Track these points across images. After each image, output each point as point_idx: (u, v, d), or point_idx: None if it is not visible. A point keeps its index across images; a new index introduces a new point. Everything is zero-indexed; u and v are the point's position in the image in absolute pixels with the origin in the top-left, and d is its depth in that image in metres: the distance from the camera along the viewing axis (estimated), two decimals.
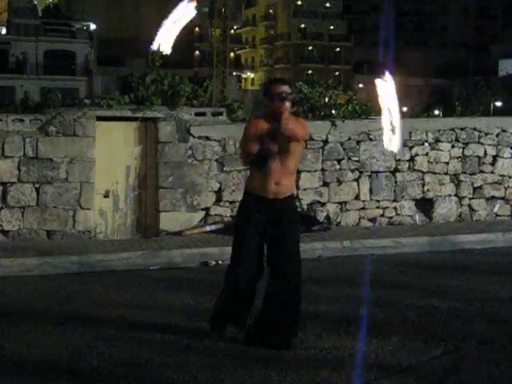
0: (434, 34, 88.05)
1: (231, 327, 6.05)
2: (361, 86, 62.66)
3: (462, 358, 5.66)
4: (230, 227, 11.12)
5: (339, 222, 12.28)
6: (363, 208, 12.44)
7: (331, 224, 11.93)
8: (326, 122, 12.28)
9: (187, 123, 11.62)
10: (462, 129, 12.97)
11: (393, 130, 6.26)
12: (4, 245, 10.60)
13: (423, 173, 12.71)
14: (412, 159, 12.65)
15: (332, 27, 79.55)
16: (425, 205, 12.76)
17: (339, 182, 12.27)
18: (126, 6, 72.67)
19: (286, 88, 5.82)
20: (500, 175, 13.17)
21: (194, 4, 6.10)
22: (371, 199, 12.45)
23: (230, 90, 49.00)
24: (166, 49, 6.21)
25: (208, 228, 11.53)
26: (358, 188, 12.39)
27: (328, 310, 7.11)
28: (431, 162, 12.74)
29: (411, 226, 12.40)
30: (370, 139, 12.42)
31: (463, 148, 12.95)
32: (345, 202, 12.35)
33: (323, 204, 12.18)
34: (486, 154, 13.08)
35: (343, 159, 12.30)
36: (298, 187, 11.79)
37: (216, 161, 11.74)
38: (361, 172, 12.38)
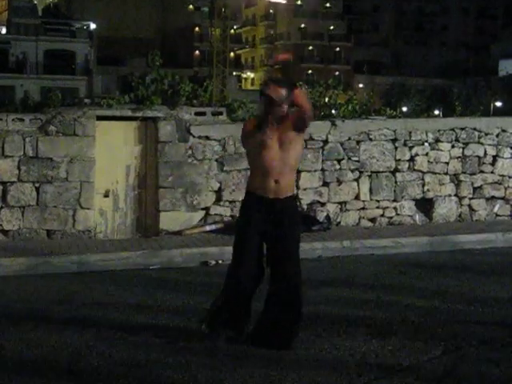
0: (434, 34, 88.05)
1: (228, 330, 5.96)
2: (361, 85, 62.74)
3: (461, 358, 5.65)
4: (229, 227, 11.13)
5: (339, 222, 12.28)
6: (363, 208, 12.44)
7: (331, 224, 11.93)
8: (326, 121, 12.28)
9: (187, 123, 11.62)
10: (462, 129, 12.97)
11: None
12: (4, 244, 10.60)
13: (423, 173, 12.71)
14: (412, 159, 12.65)
15: (332, 27, 79.56)
16: (425, 205, 12.76)
17: (339, 182, 12.27)
18: (126, 6, 72.69)
19: (284, 90, 5.77)
20: (500, 175, 13.17)
21: None
22: (371, 199, 12.45)
23: (230, 89, 49.03)
24: None
25: (208, 228, 11.53)
26: (358, 188, 12.39)
27: (328, 310, 7.11)
28: (431, 162, 12.74)
29: (411, 226, 12.40)
30: (370, 139, 12.42)
31: (463, 148, 12.95)
32: (345, 202, 12.35)
33: (323, 204, 12.18)
34: (486, 154, 13.08)
35: (343, 159, 12.30)
36: (297, 187, 11.79)
37: (216, 160, 11.74)
38: (361, 172, 12.38)
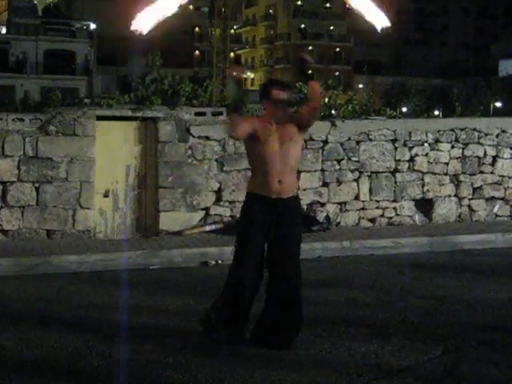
0: (433, 34, 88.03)
1: (228, 331, 5.90)
2: (361, 86, 62.72)
3: (461, 359, 5.65)
4: (229, 227, 11.14)
5: (339, 223, 12.28)
6: (363, 208, 12.44)
7: (331, 224, 11.94)
8: (325, 122, 12.28)
9: (187, 123, 11.62)
10: (462, 129, 12.98)
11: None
12: (4, 244, 10.60)
13: (423, 173, 12.71)
14: (412, 159, 12.65)
15: (332, 27, 79.54)
16: (424, 205, 12.76)
17: (339, 183, 12.28)
18: (126, 6, 72.69)
19: (287, 94, 5.81)
20: (500, 176, 13.17)
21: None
22: (371, 199, 12.45)
23: (230, 89, 48.91)
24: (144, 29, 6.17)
25: (208, 228, 11.53)
26: (358, 188, 12.39)
27: (328, 310, 7.11)
28: (431, 163, 12.75)
29: (411, 227, 12.41)
30: (370, 139, 12.42)
31: (463, 148, 12.96)
32: (344, 203, 12.35)
33: (323, 204, 12.19)
34: (485, 154, 13.09)
35: (343, 159, 12.30)
36: (297, 187, 11.77)
37: (216, 160, 11.74)
38: (360, 172, 12.39)
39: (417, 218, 12.71)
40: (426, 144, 12.73)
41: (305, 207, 11.94)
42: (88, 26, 63.83)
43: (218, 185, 11.75)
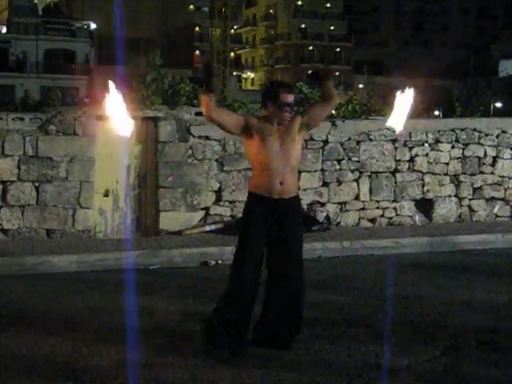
0: (434, 34, 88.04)
1: (229, 331, 5.74)
2: (361, 86, 62.69)
3: (461, 359, 5.66)
4: (229, 227, 11.15)
5: (339, 223, 12.28)
6: (363, 208, 12.44)
7: (331, 224, 11.94)
8: (326, 122, 12.26)
9: (187, 123, 11.62)
10: (462, 129, 12.97)
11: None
12: (4, 244, 10.60)
13: (423, 173, 12.71)
14: (412, 160, 12.65)
15: (332, 27, 79.55)
16: (425, 205, 12.76)
17: (339, 182, 12.27)
18: (127, 6, 72.65)
19: (293, 97, 5.84)
20: (500, 176, 13.17)
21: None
22: (371, 199, 12.45)
23: (230, 89, 49.01)
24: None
25: (208, 228, 11.53)
26: (358, 188, 12.39)
27: (328, 310, 7.11)
28: (431, 163, 12.75)
29: (411, 227, 12.40)
30: (370, 139, 12.42)
31: (463, 149, 12.96)
32: (344, 203, 12.35)
33: (323, 204, 12.18)
34: (486, 154, 13.09)
35: (343, 159, 12.30)
36: (298, 187, 11.77)
37: (216, 160, 11.73)
38: (361, 172, 12.38)
39: (417, 218, 12.71)
40: (426, 144, 12.73)
41: (305, 207, 11.94)
42: (88, 26, 63.84)
43: (218, 185, 11.75)
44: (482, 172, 13.07)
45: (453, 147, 12.88)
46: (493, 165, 13.13)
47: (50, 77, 56.29)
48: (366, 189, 12.43)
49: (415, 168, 12.65)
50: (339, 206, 12.31)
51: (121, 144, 11.41)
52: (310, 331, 6.20)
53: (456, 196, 12.90)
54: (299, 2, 79.27)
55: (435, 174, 12.76)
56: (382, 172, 12.49)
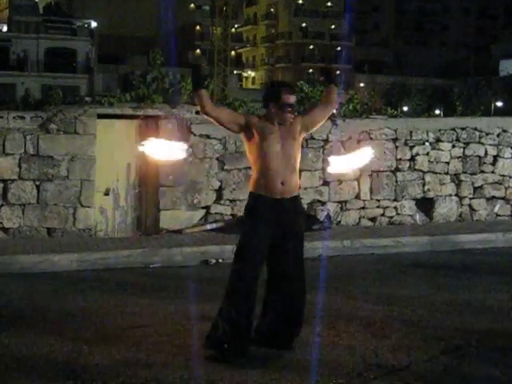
0: (434, 34, 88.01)
1: (234, 340, 5.61)
2: (362, 85, 62.71)
3: (461, 358, 5.65)
4: (230, 226, 11.15)
5: (339, 222, 12.28)
6: (363, 207, 12.44)
7: (331, 223, 11.94)
8: (326, 120, 12.25)
9: (188, 121, 11.62)
10: (463, 129, 12.98)
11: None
12: (4, 242, 10.60)
13: (424, 172, 12.71)
14: (413, 159, 12.65)
15: (333, 26, 79.52)
16: (425, 204, 12.76)
17: (339, 181, 12.27)
18: (127, 4, 72.66)
19: (294, 97, 5.83)
20: (500, 175, 13.18)
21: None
22: (371, 198, 12.45)
23: (231, 88, 49.01)
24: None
25: (208, 226, 11.53)
26: (359, 187, 12.39)
27: (327, 309, 7.10)
28: (432, 162, 12.75)
29: (411, 226, 12.41)
30: (371, 138, 12.42)
31: (464, 148, 12.96)
32: (345, 202, 12.35)
33: (323, 203, 12.18)
34: (486, 153, 13.09)
35: None
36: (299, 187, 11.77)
37: (217, 159, 11.74)
38: (361, 171, 12.37)
39: (417, 217, 12.71)
40: (426, 143, 12.73)
41: (305, 206, 11.94)
42: (89, 24, 63.82)
43: (218, 183, 11.75)
44: (482, 171, 13.07)
45: (453, 146, 12.88)
46: (493, 164, 13.14)
47: (50, 75, 56.31)
48: (367, 188, 12.43)
49: (416, 167, 12.66)
50: (340, 205, 12.31)
51: (122, 142, 11.44)
52: (309, 331, 6.19)
53: (457, 195, 12.91)
54: (300, 1, 79.26)
55: (436, 173, 12.77)
56: (383, 171, 12.49)
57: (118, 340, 6.09)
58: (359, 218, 12.43)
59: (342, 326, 6.50)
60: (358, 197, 12.40)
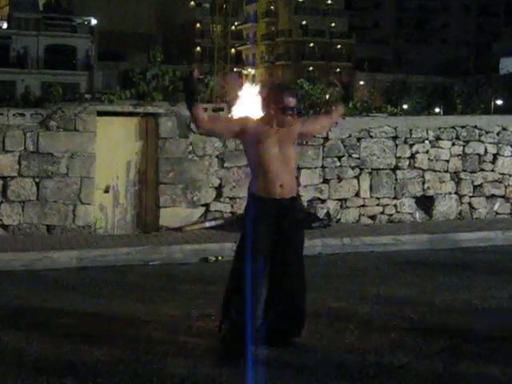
0: (434, 32, 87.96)
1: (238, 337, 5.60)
2: (362, 83, 62.69)
3: (461, 356, 5.66)
4: (230, 223, 11.15)
5: (339, 219, 12.28)
6: (363, 205, 12.44)
7: (331, 221, 11.94)
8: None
9: (188, 119, 11.60)
10: (463, 127, 12.97)
11: None
12: (4, 239, 10.60)
13: (423, 170, 12.71)
14: (412, 157, 12.65)
15: (333, 24, 79.48)
16: (425, 202, 12.76)
17: (339, 179, 12.28)
18: (127, 1, 72.63)
19: (295, 100, 5.84)
20: (500, 173, 13.17)
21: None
22: (371, 196, 12.45)
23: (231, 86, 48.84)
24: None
25: (208, 224, 11.53)
26: (358, 185, 12.39)
27: (327, 307, 7.11)
28: (431, 160, 12.75)
29: (411, 224, 12.40)
30: (371, 136, 12.42)
31: (464, 146, 12.95)
32: (345, 199, 12.35)
33: (323, 201, 12.18)
34: (486, 152, 13.08)
35: (343, 156, 12.30)
36: (298, 184, 11.77)
37: (216, 157, 11.73)
38: (361, 169, 12.39)
39: (417, 215, 12.71)
40: (426, 141, 12.73)
41: (305, 204, 11.94)
42: (89, 22, 63.81)
43: (218, 181, 11.76)
44: (482, 169, 13.07)
45: (453, 144, 12.88)
46: (493, 162, 13.13)
47: (50, 72, 56.29)
48: (367, 186, 12.43)
49: (416, 165, 12.65)
50: (339, 203, 12.31)
51: (121, 140, 11.45)
52: (309, 328, 6.20)
53: (456, 193, 12.91)
54: None
55: (436, 171, 12.76)
56: (383, 169, 12.49)
57: (119, 337, 6.09)
58: (359, 216, 12.43)
59: (342, 323, 6.51)
60: (357, 194, 12.40)
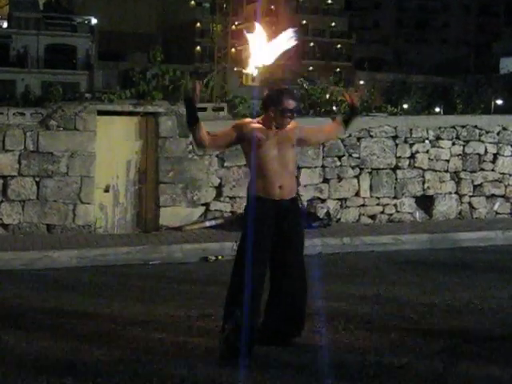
0: (434, 32, 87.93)
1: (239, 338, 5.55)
2: (362, 82, 62.65)
3: (461, 356, 5.65)
4: (230, 223, 11.15)
5: (339, 219, 12.28)
6: (363, 205, 12.44)
7: (331, 220, 11.94)
8: (326, 118, 12.27)
9: None
10: (463, 126, 12.97)
11: None
12: (4, 238, 10.60)
13: (424, 170, 12.71)
14: (412, 156, 12.65)
15: (333, 24, 79.45)
16: (425, 202, 12.76)
17: (339, 179, 12.28)
18: (128, 1, 72.62)
19: (295, 103, 5.84)
20: (500, 173, 13.17)
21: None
22: (371, 196, 12.45)
23: (231, 85, 48.86)
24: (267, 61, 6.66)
25: (208, 223, 11.53)
26: (358, 185, 12.39)
27: (327, 307, 7.10)
28: (432, 160, 12.75)
29: (411, 223, 12.41)
30: (371, 136, 12.42)
31: (464, 146, 12.95)
32: (345, 199, 12.35)
33: (323, 200, 12.19)
34: (486, 151, 13.09)
35: (344, 156, 12.30)
36: (298, 183, 11.78)
37: (216, 156, 11.73)
38: (361, 169, 12.39)
39: (417, 214, 12.71)
40: (426, 141, 12.73)
41: (305, 203, 11.94)
42: (89, 21, 63.75)
43: (218, 180, 11.75)
44: (482, 169, 13.07)
45: (453, 144, 12.88)
46: (493, 162, 13.14)
47: (50, 72, 56.22)
48: (367, 185, 12.43)
49: (416, 165, 12.66)
50: (339, 203, 12.31)
51: (122, 139, 11.45)
52: (309, 328, 6.19)
53: (456, 193, 12.91)
54: None
55: (436, 170, 12.77)
56: (383, 168, 12.50)
57: (119, 336, 6.09)
58: (359, 216, 12.43)
59: (342, 323, 6.50)
60: (357, 194, 12.40)
